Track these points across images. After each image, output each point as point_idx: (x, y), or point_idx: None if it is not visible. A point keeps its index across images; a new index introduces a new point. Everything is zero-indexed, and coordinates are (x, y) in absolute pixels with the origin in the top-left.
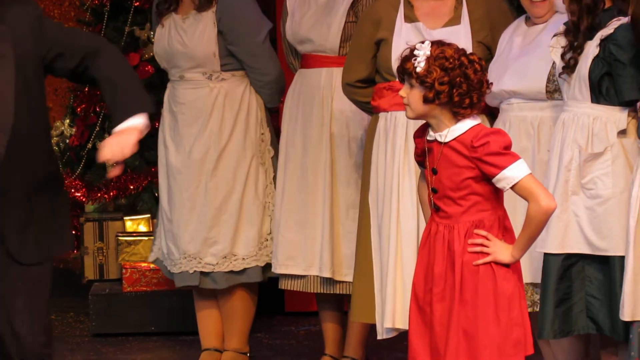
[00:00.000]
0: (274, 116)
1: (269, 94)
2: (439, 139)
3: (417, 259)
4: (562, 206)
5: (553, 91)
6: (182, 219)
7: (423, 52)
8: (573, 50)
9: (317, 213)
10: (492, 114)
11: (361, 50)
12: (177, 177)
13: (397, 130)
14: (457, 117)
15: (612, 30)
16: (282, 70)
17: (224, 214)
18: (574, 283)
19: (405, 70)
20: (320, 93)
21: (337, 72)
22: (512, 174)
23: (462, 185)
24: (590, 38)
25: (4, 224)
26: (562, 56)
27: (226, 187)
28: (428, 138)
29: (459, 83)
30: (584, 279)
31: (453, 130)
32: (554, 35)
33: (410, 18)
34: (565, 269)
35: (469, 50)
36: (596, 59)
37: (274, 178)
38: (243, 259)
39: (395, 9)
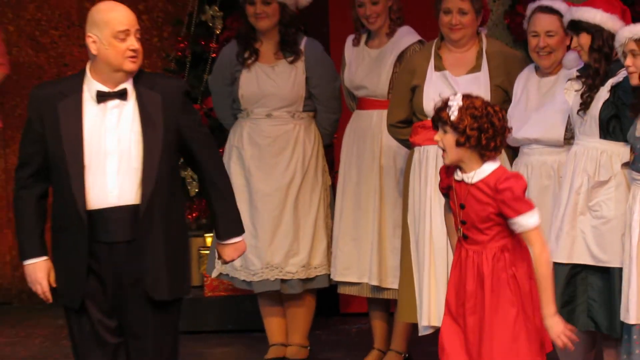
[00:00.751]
0: (328, 150)
1: (330, 132)
2: (466, 180)
3: (450, 278)
4: (571, 224)
5: (569, 138)
6: (267, 235)
7: (456, 103)
8: (590, 91)
9: (368, 231)
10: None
11: (400, 96)
12: (265, 199)
13: (428, 162)
14: (484, 158)
15: (621, 79)
16: None
17: (302, 230)
18: (578, 288)
19: (441, 119)
20: (372, 131)
21: (386, 114)
22: (524, 222)
23: (488, 218)
24: (602, 84)
25: (145, 267)
26: (582, 95)
27: (305, 208)
28: (456, 178)
29: (487, 129)
30: (586, 285)
31: (479, 173)
32: (568, 80)
33: (439, 67)
34: (571, 277)
35: (488, 92)
36: (606, 102)
37: (331, 202)
38: (315, 267)
39: (427, 60)
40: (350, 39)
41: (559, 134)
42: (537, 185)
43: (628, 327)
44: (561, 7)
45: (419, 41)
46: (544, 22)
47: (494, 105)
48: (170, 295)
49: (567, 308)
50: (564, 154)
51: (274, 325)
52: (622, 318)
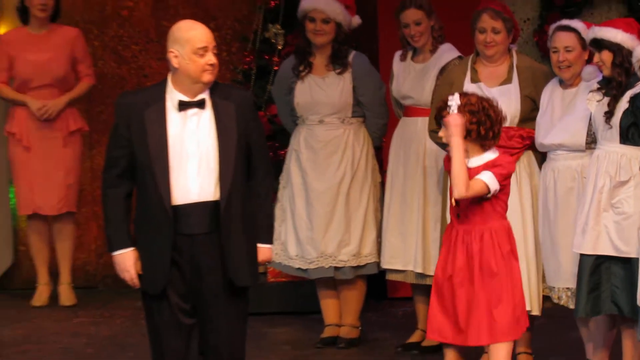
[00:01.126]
0: (378, 151)
1: (379, 135)
2: (468, 164)
3: (439, 256)
4: (595, 220)
5: (590, 142)
6: (322, 227)
7: (454, 103)
8: (615, 101)
9: (413, 225)
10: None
11: None
12: (319, 196)
13: None
14: (484, 148)
15: (638, 91)
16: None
17: (353, 223)
18: (602, 277)
19: (443, 117)
20: (417, 136)
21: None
22: (482, 175)
23: (482, 198)
24: (622, 95)
25: (229, 258)
26: (608, 105)
27: (355, 203)
28: None
29: (484, 121)
30: (610, 274)
31: (479, 159)
32: (590, 91)
33: (474, 80)
34: (596, 267)
35: (518, 102)
36: (626, 111)
37: (381, 197)
38: (365, 256)
39: (464, 74)
40: (397, 55)
41: (581, 139)
42: (563, 187)
43: None
44: (578, 25)
45: (459, 57)
46: (562, 39)
47: (488, 99)
48: (250, 282)
49: (593, 294)
50: (586, 158)
51: (329, 307)
52: (637, 302)
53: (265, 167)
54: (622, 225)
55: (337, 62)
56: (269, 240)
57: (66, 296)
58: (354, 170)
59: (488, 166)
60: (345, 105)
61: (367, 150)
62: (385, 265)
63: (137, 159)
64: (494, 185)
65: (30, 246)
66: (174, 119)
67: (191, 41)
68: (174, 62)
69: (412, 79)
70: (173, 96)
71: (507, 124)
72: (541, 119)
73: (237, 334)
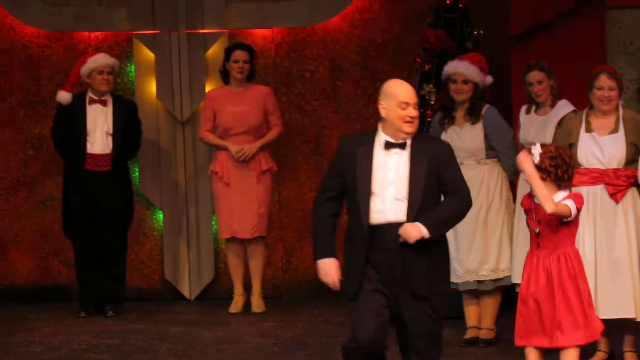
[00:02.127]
0: (512, 185)
1: (511, 172)
2: None
3: (523, 275)
4: None
5: None
6: (465, 249)
7: (537, 151)
8: None
9: None
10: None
11: None
12: (462, 224)
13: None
14: (560, 187)
15: None
16: None
17: (490, 244)
18: None
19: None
20: None
21: None
22: (565, 201)
23: (557, 231)
24: None
25: (411, 271)
26: None
27: (492, 228)
28: (535, 201)
29: (561, 164)
30: None
31: (557, 197)
32: None
33: (588, 129)
34: None
35: (624, 148)
36: None
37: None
38: (502, 270)
39: (580, 124)
40: (523, 109)
41: None
42: None
43: None
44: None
45: (573, 110)
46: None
47: (564, 148)
48: (426, 293)
49: None
50: None
51: (471, 313)
52: None
53: (459, 187)
54: None
55: (473, 114)
56: (428, 224)
57: (257, 304)
58: (489, 202)
59: (568, 197)
60: (479, 149)
61: (501, 185)
62: (515, 280)
63: (347, 187)
64: (574, 210)
65: (228, 264)
66: (379, 155)
67: (397, 96)
68: (382, 112)
69: (536, 128)
70: (381, 138)
71: (615, 166)
72: None
73: (430, 329)
